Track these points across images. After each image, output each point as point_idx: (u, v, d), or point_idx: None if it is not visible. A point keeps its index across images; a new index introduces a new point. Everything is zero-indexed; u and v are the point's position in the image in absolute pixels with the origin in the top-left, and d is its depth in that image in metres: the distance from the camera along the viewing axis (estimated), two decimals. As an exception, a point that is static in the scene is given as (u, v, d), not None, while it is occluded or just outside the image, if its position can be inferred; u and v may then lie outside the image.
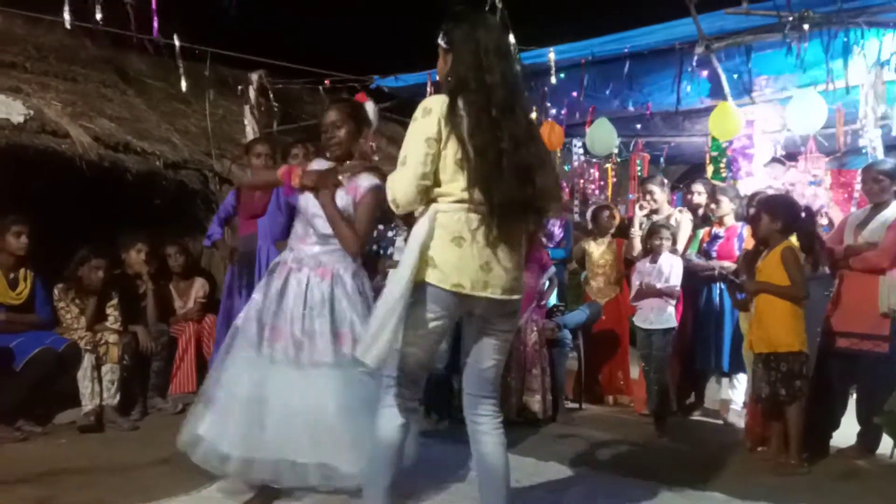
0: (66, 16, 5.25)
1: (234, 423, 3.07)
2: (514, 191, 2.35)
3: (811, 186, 6.21)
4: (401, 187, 2.35)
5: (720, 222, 5.27)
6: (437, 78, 2.57)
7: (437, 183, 2.39)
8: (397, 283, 2.37)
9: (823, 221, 5.94)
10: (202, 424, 3.15)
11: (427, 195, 2.39)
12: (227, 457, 3.05)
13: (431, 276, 2.37)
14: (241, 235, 4.94)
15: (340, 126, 3.18)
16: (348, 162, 3.20)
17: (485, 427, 2.56)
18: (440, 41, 2.48)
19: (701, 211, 5.67)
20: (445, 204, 2.39)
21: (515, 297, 2.48)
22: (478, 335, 2.54)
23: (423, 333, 2.43)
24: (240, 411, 3.07)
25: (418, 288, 2.38)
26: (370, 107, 3.32)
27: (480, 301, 2.42)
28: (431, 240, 2.38)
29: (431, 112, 2.34)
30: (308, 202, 3.17)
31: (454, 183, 2.37)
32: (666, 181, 5.96)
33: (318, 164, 3.28)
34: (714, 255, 5.18)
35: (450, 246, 2.37)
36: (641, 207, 5.65)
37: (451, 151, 2.35)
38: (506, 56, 2.46)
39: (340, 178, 3.12)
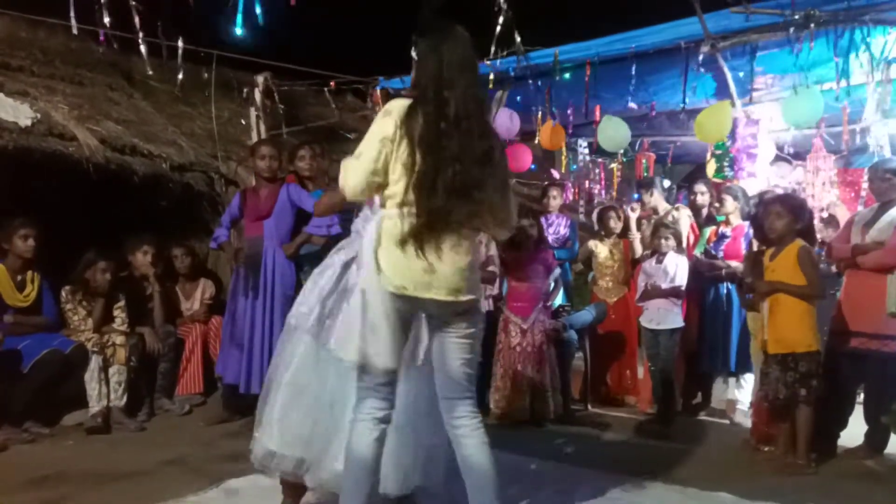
0: (73, 21, 5.25)
1: None
2: (443, 203, 2.40)
3: (822, 186, 6.18)
4: (351, 178, 2.48)
5: (727, 222, 5.24)
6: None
7: (387, 183, 2.47)
8: (363, 284, 2.47)
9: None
10: None
11: (376, 190, 2.51)
12: None
13: (380, 280, 2.44)
14: (247, 237, 4.94)
15: None
16: None
17: (465, 430, 2.58)
18: (412, 51, 2.54)
19: (705, 211, 5.66)
20: (390, 209, 2.48)
21: (464, 298, 2.50)
22: (438, 336, 2.58)
23: (379, 335, 2.46)
24: None
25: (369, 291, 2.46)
26: None
27: (427, 302, 2.47)
28: (379, 245, 2.46)
29: (390, 114, 2.45)
30: None
31: (399, 184, 2.45)
32: (665, 182, 5.98)
33: None
34: (721, 254, 5.17)
35: (394, 250, 2.45)
36: (633, 210, 5.69)
37: (402, 154, 2.43)
38: (469, 70, 2.50)
39: None
